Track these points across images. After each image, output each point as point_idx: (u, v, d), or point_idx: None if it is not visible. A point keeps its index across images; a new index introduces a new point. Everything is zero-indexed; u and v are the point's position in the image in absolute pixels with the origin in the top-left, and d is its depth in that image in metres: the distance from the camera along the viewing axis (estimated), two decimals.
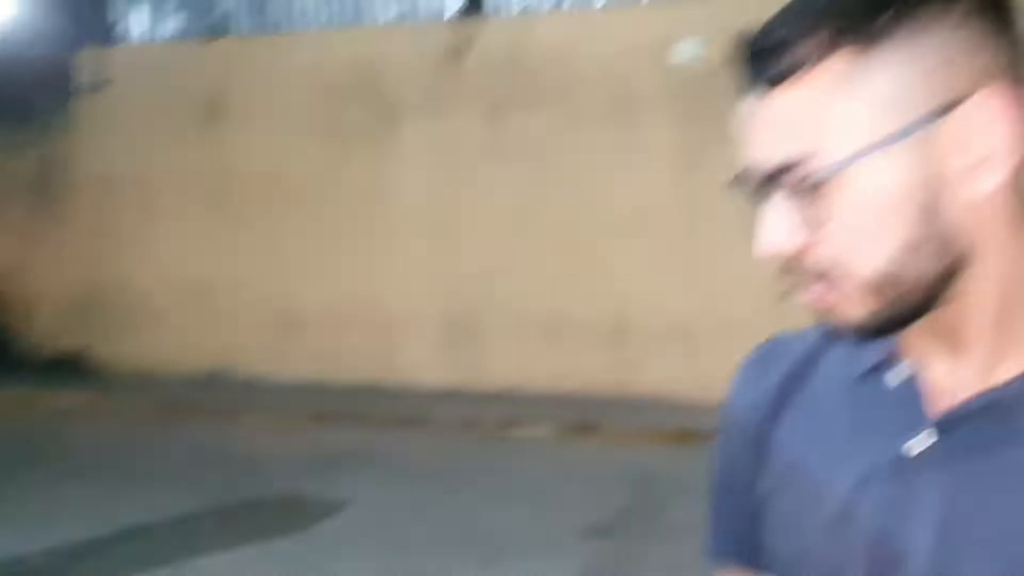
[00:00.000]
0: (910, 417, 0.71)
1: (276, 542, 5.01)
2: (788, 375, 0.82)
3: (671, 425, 7.08)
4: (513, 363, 8.37)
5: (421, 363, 8.68)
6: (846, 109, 0.63)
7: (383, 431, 7.46)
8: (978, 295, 0.67)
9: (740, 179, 0.69)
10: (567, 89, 8.13)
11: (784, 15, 0.65)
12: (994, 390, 0.67)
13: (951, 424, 0.69)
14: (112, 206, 9.87)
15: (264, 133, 8.98)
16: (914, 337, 0.71)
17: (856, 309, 0.67)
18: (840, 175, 0.63)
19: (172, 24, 9.56)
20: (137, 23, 9.89)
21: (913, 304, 0.66)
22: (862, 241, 0.64)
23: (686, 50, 7.68)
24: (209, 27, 9.32)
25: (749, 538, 0.83)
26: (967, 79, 0.63)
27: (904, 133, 0.62)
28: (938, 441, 0.69)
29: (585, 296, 8.05)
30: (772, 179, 0.66)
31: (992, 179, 0.64)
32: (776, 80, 0.64)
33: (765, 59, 0.65)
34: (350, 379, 8.75)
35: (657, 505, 5.52)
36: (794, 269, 0.68)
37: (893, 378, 0.73)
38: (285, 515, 5.62)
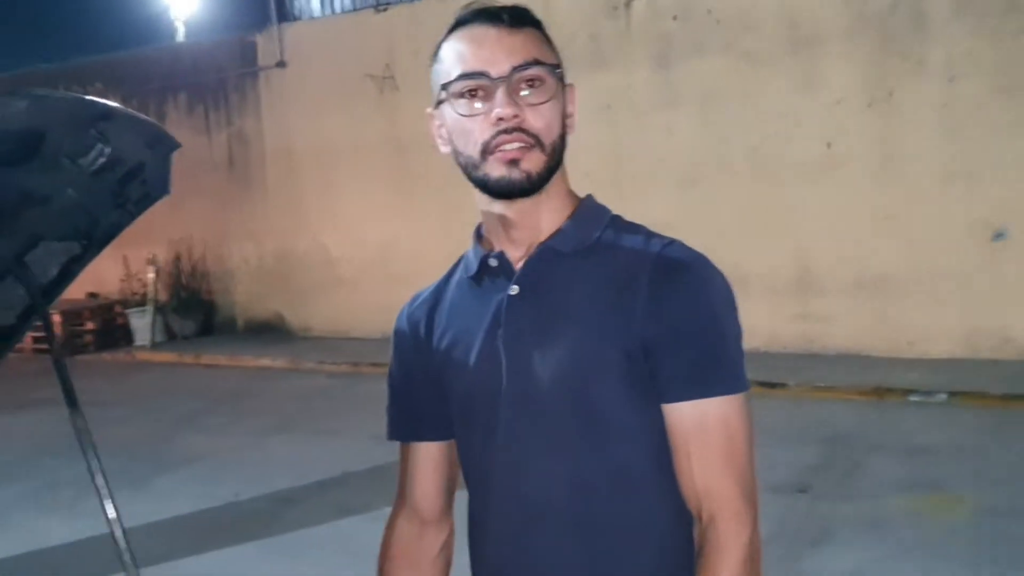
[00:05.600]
0: (507, 276, 1.24)
1: None
2: (429, 300, 1.34)
3: (863, 382, 6.71)
4: None
5: None
6: (549, 52, 1.19)
7: None
8: (551, 191, 1.21)
9: (475, 77, 1.15)
10: (741, 30, 7.76)
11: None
12: (539, 246, 1.23)
13: (525, 271, 1.23)
14: (297, 178, 10.40)
15: None
16: (504, 234, 1.24)
17: (537, 161, 1.17)
18: (553, 80, 1.18)
19: None
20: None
21: (554, 168, 1.20)
22: (553, 119, 1.18)
23: None
24: None
25: (411, 419, 1.35)
26: (564, 74, 1.22)
27: (562, 79, 1.20)
28: (522, 283, 1.22)
29: (767, 247, 7.72)
30: (516, 71, 1.14)
31: (571, 126, 1.22)
32: (518, 25, 1.17)
33: (514, 14, 1.18)
34: None
35: (850, 463, 5.25)
36: (512, 128, 1.14)
37: (493, 262, 1.25)
38: None
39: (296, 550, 4.53)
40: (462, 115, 1.16)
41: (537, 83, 1.16)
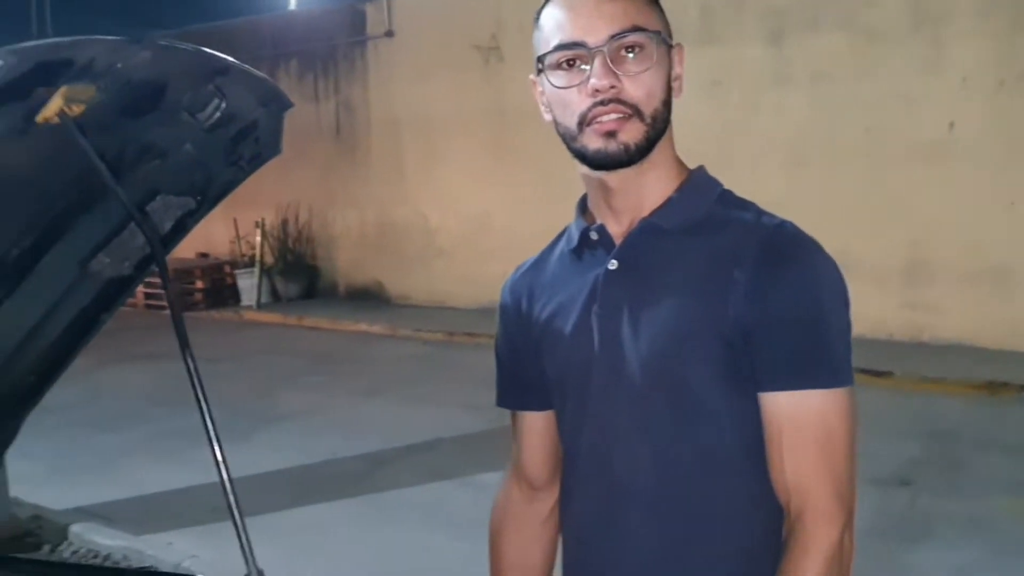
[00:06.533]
0: (607, 250, 1.22)
1: None
2: (531, 270, 1.34)
3: (975, 375, 6.41)
4: None
5: None
6: (651, 16, 1.15)
7: None
8: (657, 160, 1.18)
9: (571, 47, 1.12)
10: (861, 4, 7.44)
11: None
12: (642, 221, 1.19)
13: (625, 246, 1.20)
14: (400, 148, 10.53)
15: None
16: (606, 207, 1.22)
17: (636, 132, 1.13)
18: (654, 46, 1.13)
19: None
20: None
21: (656, 137, 1.15)
22: (655, 87, 1.14)
23: None
24: None
25: (517, 389, 1.37)
26: (671, 36, 1.18)
27: (666, 42, 1.16)
28: (621, 258, 1.20)
29: (878, 232, 7.43)
30: (614, 39, 1.11)
31: (679, 89, 1.19)
32: None
33: None
34: None
35: (956, 459, 5.04)
36: (608, 100, 1.11)
37: (594, 235, 1.23)
38: None
39: (388, 510, 4.63)
40: (559, 87, 1.13)
41: (637, 50, 1.12)
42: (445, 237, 10.21)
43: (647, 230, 1.19)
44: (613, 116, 1.11)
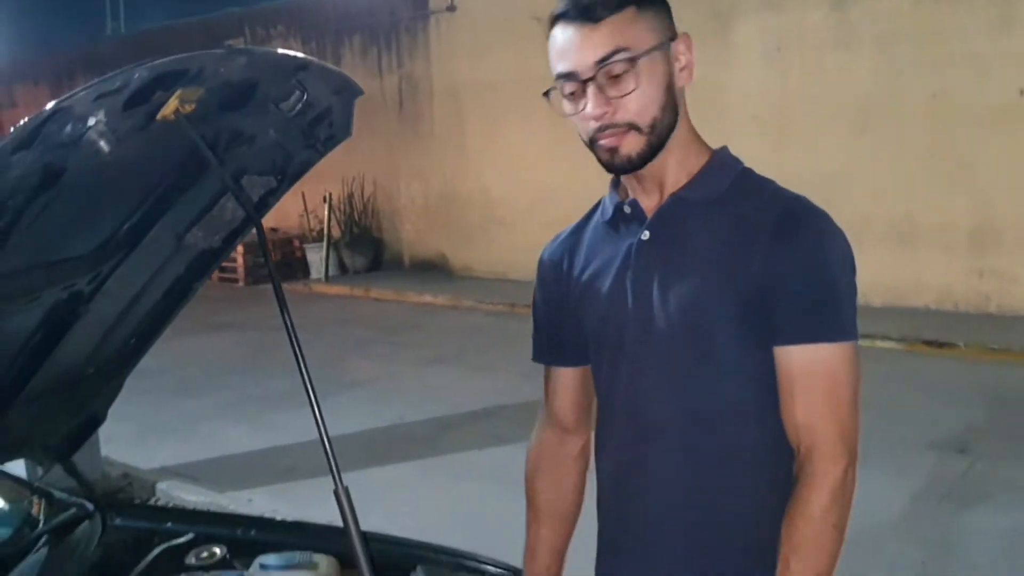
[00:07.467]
0: (639, 223, 1.36)
1: None
2: (569, 239, 1.48)
3: None
4: (860, 273, 7.89)
5: None
6: (638, 31, 1.25)
7: None
8: (673, 147, 1.32)
9: (568, 78, 1.26)
10: None
11: None
12: (671, 196, 1.34)
13: (656, 219, 1.34)
14: (462, 121, 10.67)
15: None
16: (637, 185, 1.36)
17: (635, 143, 1.27)
18: (640, 63, 1.24)
19: None
20: None
21: (660, 141, 1.29)
22: (647, 101, 1.26)
23: None
24: None
25: (553, 345, 1.51)
26: (671, 31, 1.30)
27: (661, 46, 1.27)
28: (653, 229, 1.34)
29: (944, 199, 7.34)
30: (600, 64, 1.23)
31: (687, 77, 1.31)
32: (601, 18, 1.23)
33: (593, 8, 1.23)
34: None
35: (1017, 428, 5.03)
36: (605, 125, 1.26)
37: (627, 209, 1.38)
38: None
39: (455, 471, 4.83)
40: (567, 114, 1.29)
41: (622, 73, 1.23)
42: (506, 209, 10.35)
43: (676, 204, 1.34)
44: (611, 138, 1.27)
